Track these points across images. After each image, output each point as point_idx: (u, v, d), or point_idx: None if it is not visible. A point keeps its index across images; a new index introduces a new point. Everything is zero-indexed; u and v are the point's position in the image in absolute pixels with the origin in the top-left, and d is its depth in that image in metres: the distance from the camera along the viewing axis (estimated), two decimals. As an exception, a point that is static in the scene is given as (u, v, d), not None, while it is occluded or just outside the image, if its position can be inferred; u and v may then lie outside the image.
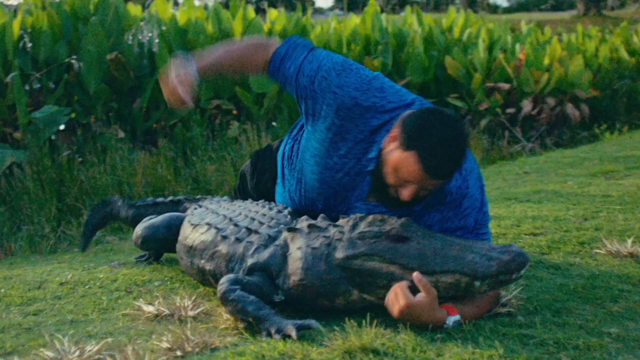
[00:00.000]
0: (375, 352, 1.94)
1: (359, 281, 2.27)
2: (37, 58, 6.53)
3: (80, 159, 6.30)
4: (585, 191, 4.44)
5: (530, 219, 3.68)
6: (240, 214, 2.69)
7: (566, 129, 9.20)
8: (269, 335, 2.10)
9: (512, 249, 2.17)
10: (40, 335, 2.18)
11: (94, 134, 6.64)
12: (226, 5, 9.53)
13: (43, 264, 3.46)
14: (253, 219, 2.58)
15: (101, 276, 2.92)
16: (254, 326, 2.15)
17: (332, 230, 2.35)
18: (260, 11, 10.56)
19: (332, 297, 2.29)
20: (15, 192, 5.64)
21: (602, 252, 3.05)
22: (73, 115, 6.82)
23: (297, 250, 2.35)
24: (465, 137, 2.34)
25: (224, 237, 2.55)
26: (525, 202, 4.25)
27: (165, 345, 2.02)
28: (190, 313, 2.32)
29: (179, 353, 1.97)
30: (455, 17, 10.82)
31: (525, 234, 3.39)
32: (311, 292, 2.30)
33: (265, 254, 2.42)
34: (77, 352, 1.96)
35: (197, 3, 8.61)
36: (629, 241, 3.08)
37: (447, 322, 2.15)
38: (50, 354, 1.97)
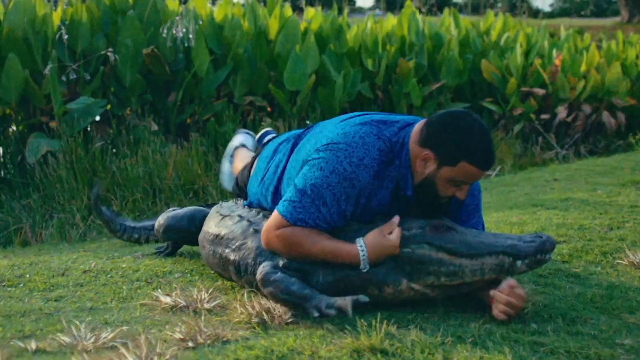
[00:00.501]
0: (384, 352, 1.95)
1: (409, 269, 2.38)
2: (75, 49, 6.64)
3: (113, 150, 6.41)
4: (614, 200, 4.40)
5: (555, 226, 3.66)
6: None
7: (601, 137, 9.09)
8: (319, 311, 2.19)
9: (542, 234, 2.38)
10: (58, 320, 2.23)
11: (128, 126, 6.73)
12: (264, 3, 9.56)
13: (70, 251, 3.53)
14: None
15: (124, 266, 2.98)
16: (298, 308, 2.24)
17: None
18: (297, 9, 10.58)
19: (381, 285, 2.39)
20: (49, 181, 5.75)
21: (624, 262, 3.02)
22: (108, 107, 6.93)
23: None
24: (480, 119, 2.48)
25: (256, 231, 2.59)
26: (552, 209, 4.23)
27: (178, 335, 2.06)
28: (206, 306, 2.36)
29: (190, 344, 2.01)
30: (493, 21, 10.75)
31: (548, 242, 3.37)
32: (360, 281, 2.38)
33: None
34: (93, 339, 2.01)
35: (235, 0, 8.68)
36: (653, 253, 3.06)
37: None
38: (66, 339, 2.02)
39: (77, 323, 2.13)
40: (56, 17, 6.75)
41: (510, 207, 4.45)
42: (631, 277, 2.85)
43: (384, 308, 2.35)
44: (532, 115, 8.72)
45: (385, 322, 2.13)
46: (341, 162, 2.38)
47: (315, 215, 2.38)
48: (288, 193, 2.45)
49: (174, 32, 6.62)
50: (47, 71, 6.00)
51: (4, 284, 2.73)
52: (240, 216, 2.73)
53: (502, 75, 8.99)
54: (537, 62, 8.86)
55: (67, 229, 4.99)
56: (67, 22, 6.64)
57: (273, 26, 8.24)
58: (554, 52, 9.19)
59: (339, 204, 2.39)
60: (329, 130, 2.55)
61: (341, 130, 2.48)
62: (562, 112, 8.67)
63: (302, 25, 8.74)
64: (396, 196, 2.52)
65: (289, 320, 2.22)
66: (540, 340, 2.13)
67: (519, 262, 2.32)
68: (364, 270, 2.38)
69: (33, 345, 2.00)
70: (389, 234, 2.38)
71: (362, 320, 2.12)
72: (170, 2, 7.80)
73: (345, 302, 2.16)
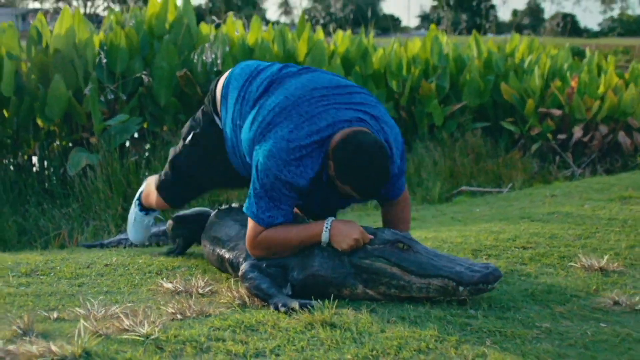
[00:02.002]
0: (332, 325, 2.40)
1: (365, 277, 2.77)
2: (114, 71, 7.23)
3: (147, 164, 6.96)
4: (596, 214, 4.76)
5: (528, 235, 4.06)
6: None
7: (618, 156, 9.38)
8: (276, 308, 2.61)
9: (490, 266, 2.73)
10: (78, 299, 2.74)
11: (162, 142, 7.29)
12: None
13: (99, 250, 4.04)
14: None
15: (140, 261, 3.48)
16: (264, 302, 2.69)
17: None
18: (327, 33, 11.09)
19: (340, 287, 2.79)
20: (87, 192, 6.32)
21: (576, 265, 3.41)
22: (145, 125, 7.51)
23: (314, 248, 2.86)
24: (386, 157, 2.83)
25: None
26: (536, 221, 4.61)
27: (170, 310, 2.54)
28: (200, 290, 2.84)
29: (179, 316, 2.49)
30: (517, 43, 11.12)
31: (516, 247, 3.77)
32: (323, 281, 2.80)
33: None
34: (102, 311, 2.50)
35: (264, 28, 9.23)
36: (605, 257, 3.44)
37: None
38: (81, 311, 2.52)
39: (92, 300, 2.63)
40: (97, 41, 7.36)
41: (501, 219, 4.84)
42: (577, 277, 3.24)
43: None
44: (550, 135, 9.08)
45: (336, 302, 2.58)
46: (282, 171, 2.81)
47: (277, 211, 2.84)
48: (248, 201, 2.90)
49: (204, 58, 7.16)
50: (87, 91, 6.58)
51: (37, 273, 3.25)
52: (234, 220, 3.22)
53: (520, 97, 9.37)
54: (554, 84, 9.21)
55: (101, 234, 5.54)
56: (106, 47, 7.23)
57: (301, 49, 8.74)
58: (569, 74, 9.55)
59: (290, 198, 2.86)
60: (280, 131, 2.87)
61: (285, 145, 2.84)
62: (578, 132, 9.00)
63: (330, 48, 9.25)
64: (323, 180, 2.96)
65: (265, 304, 2.69)
66: (470, 322, 2.55)
67: (461, 288, 2.68)
68: (324, 243, 2.82)
69: (55, 314, 2.50)
70: (356, 233, 2.81)
71: (318, 300, 2.58)
72: (204, 26, 8.38)
73: (295, 304, 2.59)
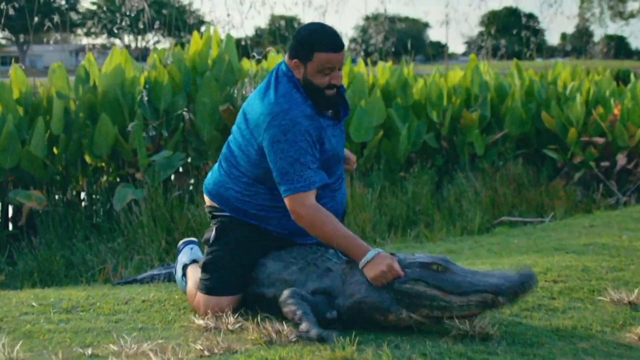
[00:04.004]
0: (353, 361, 2.48)
1: (408, 302, 2.89)
2: (158, 108, 7.46)
3: (190, 199, 7.13)
4: (633, 245, 4.74)
5: (560, 268, 4.06)
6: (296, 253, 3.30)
7: (665, 184, 9.24)
8: (298, 335, 2.74)
9: (524, 271, 2.85)
10: (112, 336, 2.86)
11: (206, 176, 7.46)
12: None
13: (139, 286, 4.17)
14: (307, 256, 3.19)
15: (176, 297, 3.59)
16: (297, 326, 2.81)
17: None
18: (367, 64, 11.21)
19: (386, 313, 2.91)
20: (132, 226, 6.50)
21: (605, 299, 3.41)
22: (189, 159, 7.70)
23: (359, 276, 2.97)
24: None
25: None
26: (570, 253, 4.61)
27: (199, 347, 2.64)
28: (230, 327, 2.94)
29: (206, 353, 2.60)
30: (560, 71, 11.09)
31: (547, 280, 3.78)
32: (369, 307, 2.91)
33: (326, 280, 3.04)
34: (135, 348, 2.62)
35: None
36: (636, 291, 3.43)
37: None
38: (114, 347, 2.64)
39: (126, 337, 2.75)
40: (142, 79, 7.60)
41: (535, 251, 4.85)
42: (605, 312, 3.25)
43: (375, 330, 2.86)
44: (593, 163, 9.00)
45: (358, 339, 2.65)
46: (284, 119, 3.06)
47: (308, 171, 3.05)
48: (282, 187, 3.08)
49: (244, 92, 7.33)
50: (130, 128, 6.80)
51: (78, 309, 3.40)
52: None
53: (562, 125, 9.33)
54: (597, 111, 9.16)
55: (145, 268, 5.69)
56: (149, 85, 7.46)
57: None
58: (612, 101, 9.47)
59: (309, 147, 3.07)
60: (255, 112, 3.19)
61: (270, 107, 3.13)
62: (621, 159, 8.91)
63: (370, 80, 9.36)
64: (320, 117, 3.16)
65: (293, 340, 2.77)
66: (490, 358, 2.59)
67: (500, 298, 2.79)
68: (361, 267, 2.96)
69: (89, 351, 2.63)
70: (389, 266, 2.90)
71: (341, 337, 2.65)
72: (246, 62, 8.57)
73: (312, 333, 2.73)
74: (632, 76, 11.54)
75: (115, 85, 7.28)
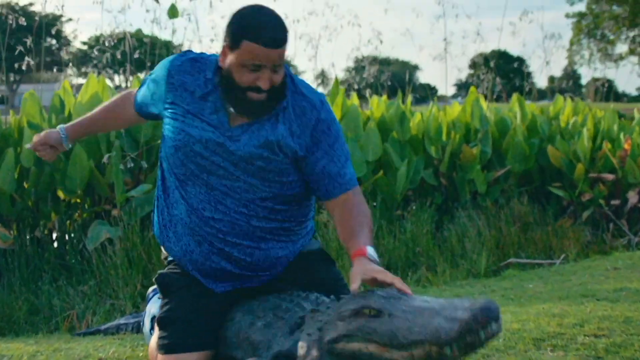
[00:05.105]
0: None
1: None
2: (138, 140, 6.88)
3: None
4: (671, 291, 4.17)
5: (598, 319, 3.48)
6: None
7: (678, 223, 8.72)
8: None
9: (475, 304, 1.95)
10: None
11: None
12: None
13: (102, 338, 3.56)
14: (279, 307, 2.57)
15: (141, 354, 2.98)
16: None
17: (326, 312, 2.31)
18: (362, 98, 10.73)
19: None
20: (105, 267, 5.88)
21: (663, 359, 2.83)
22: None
23: (304, 336, 2.30)
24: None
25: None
26: (601, 299, 4.04)
27: None
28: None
29: None
30: (562, 106, 10.63)
31: (586, 335, 3.20)
32: None
33: (293, 339, 2.39)
34: None
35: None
36: (697, 349, 2.86)
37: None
38: None
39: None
40: (121, 109, 7.04)
41: (560, 298, 4.27)
42: (667, 375, 2.67)
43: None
44: (602, 201, 8.46)
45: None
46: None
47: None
48: (348, 170, 2.67)
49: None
50: (105, 160, 6.23)
51: (21, 370, 2.77)
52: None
53: (569, 161, 8.80)
54: (606, 146, 8.64)
55: (115, 315, 5.06)
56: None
57: (335, 114, 8.34)
58: (622, 135, 8.96)
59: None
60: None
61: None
62: (633, 197, 8.38)
63: (365, 114, 8.85)
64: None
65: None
66: None
67: (447, 350, 1.92)
68: None
69: None
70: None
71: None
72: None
73: None
74: (635, 112, 11.06)
75: (91, 114, 6.71)
